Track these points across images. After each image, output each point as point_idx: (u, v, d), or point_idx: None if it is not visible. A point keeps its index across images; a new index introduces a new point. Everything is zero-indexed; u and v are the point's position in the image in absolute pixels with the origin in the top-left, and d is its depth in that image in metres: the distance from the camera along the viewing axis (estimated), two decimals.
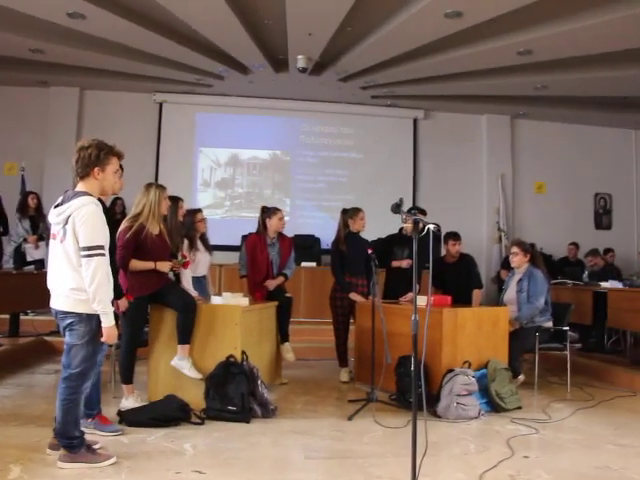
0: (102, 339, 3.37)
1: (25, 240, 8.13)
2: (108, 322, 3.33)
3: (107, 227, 3.46)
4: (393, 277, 6.33)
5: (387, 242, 6.47)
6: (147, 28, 7.73)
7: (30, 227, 8.18)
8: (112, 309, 3.38)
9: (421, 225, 3.21)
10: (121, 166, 4.00)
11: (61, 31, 7.79)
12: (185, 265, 5.07)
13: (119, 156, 3.58)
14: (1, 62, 8.92)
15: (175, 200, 5.27)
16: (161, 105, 10.63)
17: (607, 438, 4.26)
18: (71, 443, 3.36)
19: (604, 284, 7.53)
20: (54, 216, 3.40)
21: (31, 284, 6.67)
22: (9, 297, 6.44)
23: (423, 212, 6.19)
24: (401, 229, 6.37)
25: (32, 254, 8.13)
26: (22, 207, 8.26)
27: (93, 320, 3.34)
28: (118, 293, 4.28)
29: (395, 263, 6.28)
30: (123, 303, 4.50)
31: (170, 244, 4.88)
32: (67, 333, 3.40)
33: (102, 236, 3.36)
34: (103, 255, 3.32)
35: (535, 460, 3.75)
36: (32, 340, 7.12)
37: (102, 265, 3.30)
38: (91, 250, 3.27)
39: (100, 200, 3.80)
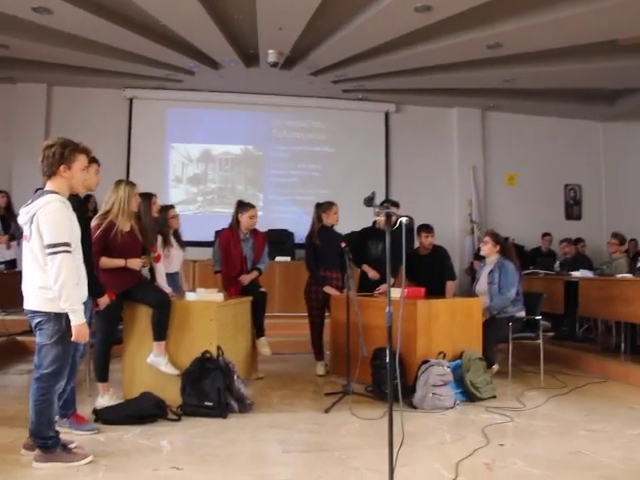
0: (72, 338, 3.30)
1: None
2: (77, 320, 3.27)
3: (76, 224, 3.42)
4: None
5: (361, 236, 6.50)
6: (116, 23, 7.61)
7: (1, 227, 8.04)
8: (82, 307, 3.33)
9: (393, 218, 3.23)
10: (98, 162, 3.94)
11: (27, 26, 7.63)
12: (157, 259, 5.02)
13: (86, 152, 3.52)
14: None
15: (148, 196, 5.23)
16: (131, 101, 10.50)
17: (579, 424, 4.34)
18: (46, 443, 3.32)
19: (575, 274, 7.66)
20: (22, 215, 3.36)
21: (1, 284, 6.56)
22: None
23: (396, 205, 6.23)
24: (374, 222, 6.40)
25: (3, 254, 8.00)
26: None
27: (62, 319, 3.29)
28: (98, 291, 4.19)
29: (365, 267, 6.33)
30: (104, 301, 4.34)
31: (142, 241, 4.84)
32: (37, 333, 3.36)
33: (67, 233, 3.29)
34: (68, 252, 3.25)
35: (510, 448, 3.81)
36: (3, 340, 6.99)
37: (67, 262, 3.24)
38: (55, 247, 3.22)
39: (77, 196, 3.75)
